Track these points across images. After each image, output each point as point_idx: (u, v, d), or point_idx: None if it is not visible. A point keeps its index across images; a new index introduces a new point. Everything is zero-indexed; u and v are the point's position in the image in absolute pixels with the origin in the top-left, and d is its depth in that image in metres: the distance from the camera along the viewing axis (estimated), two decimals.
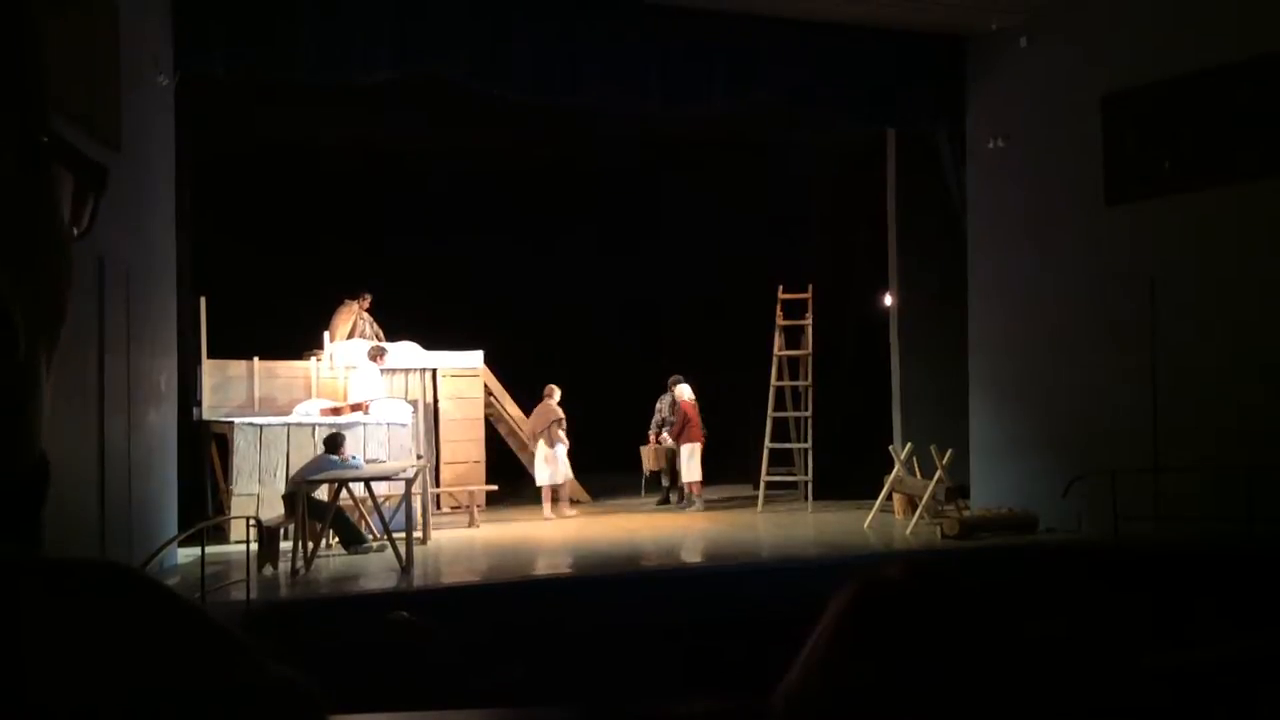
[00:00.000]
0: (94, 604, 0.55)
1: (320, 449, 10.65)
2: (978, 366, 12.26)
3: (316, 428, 11.50)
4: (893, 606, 0.97)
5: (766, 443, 13.35)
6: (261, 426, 11.31)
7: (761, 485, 13.24)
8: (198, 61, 9.99)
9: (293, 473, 10.62)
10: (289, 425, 11.44)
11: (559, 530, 11.93)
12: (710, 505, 13.65)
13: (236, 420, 11.34)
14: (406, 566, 9.37)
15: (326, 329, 13.05)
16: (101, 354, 7.71)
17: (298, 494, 9.70)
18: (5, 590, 0.53)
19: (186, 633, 0.57)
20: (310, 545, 9.58)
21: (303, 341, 13.00)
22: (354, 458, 10.55)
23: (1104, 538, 9.88)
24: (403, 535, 9.53)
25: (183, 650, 0.56)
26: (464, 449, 13.20)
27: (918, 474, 11.75)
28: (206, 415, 11.66)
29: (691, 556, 10.28)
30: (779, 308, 13.59)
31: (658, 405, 13.72)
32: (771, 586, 8.89)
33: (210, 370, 11.82)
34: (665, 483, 13.76)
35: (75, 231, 0.62)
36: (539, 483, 12.81)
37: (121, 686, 0.52)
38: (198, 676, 0.55)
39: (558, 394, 13.05)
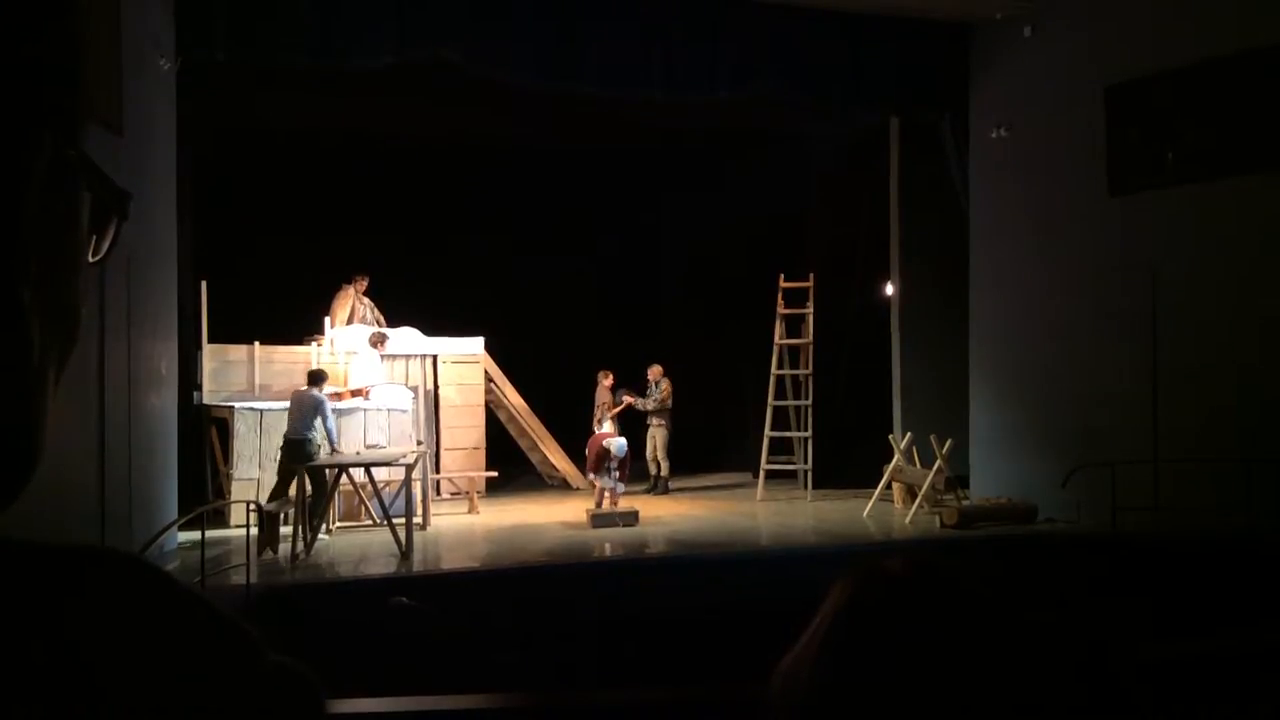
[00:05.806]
0: (92, 591, 0.55)
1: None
2: (978, 356, 12.26)
3: None
4: (893, 601, 0.97)
5: (766, 431, 13.36)
6: (262, 411, 11.32)
7: (761, 473, 13.25)
8: (199, 46, 9.97)
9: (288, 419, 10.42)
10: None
11: (557, 516, 11.94)
12: (710, 494, 13.69)
13: (237, 405, 11.35)
14: (406, 552, 9.39)
15: (326, 314, 13.04)
16: (102, 338, 7.71)
17: (296, 473, 9.72)
18: (3, 577, 0.53)
19: (185, 620, 0.57)
20: (309, 531, 9.60)
21: (303, 326, 12.99)
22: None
23: (1103, 529, 9.89)
24: (403, 520, 9.56)
25: (181, 637, 0.56)
26: (464, 435, 13.22)
27: (917, 463, 11.76)
28: (206, 400, 11.67)
29: (691, 544, 10.29)
30: (780, 296, 13.56)
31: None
32: (770, 574, 8.91)
33: (210, 355, 11.82)
34: (652, 471, 13.78)
35: (91, 257, 0.60)
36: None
37: (119, 673, 0.52)
38: (196, 663, 0.55)
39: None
